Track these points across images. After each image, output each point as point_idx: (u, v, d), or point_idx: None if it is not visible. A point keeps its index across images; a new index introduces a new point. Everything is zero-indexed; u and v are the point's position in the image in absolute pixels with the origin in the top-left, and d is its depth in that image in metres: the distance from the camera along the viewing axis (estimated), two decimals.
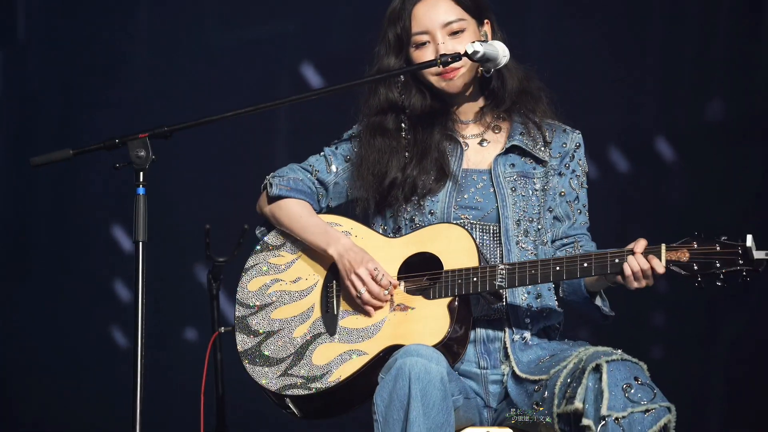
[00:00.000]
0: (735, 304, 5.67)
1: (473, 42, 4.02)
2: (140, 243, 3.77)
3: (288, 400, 4.04)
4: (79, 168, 6.10)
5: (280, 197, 4.22)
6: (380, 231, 4.20)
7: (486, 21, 4.21)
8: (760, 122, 5.75)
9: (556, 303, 4.16)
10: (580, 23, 5.46)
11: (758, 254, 3.75)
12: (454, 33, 4.14)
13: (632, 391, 3.79)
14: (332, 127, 4.40)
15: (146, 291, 3.74)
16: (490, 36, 4.20)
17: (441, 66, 4.06)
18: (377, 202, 4.20)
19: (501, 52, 4.05)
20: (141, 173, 3.79)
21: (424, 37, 4.15)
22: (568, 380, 3.89)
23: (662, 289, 5.41)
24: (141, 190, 3.78)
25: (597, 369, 3.83)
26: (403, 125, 4.20)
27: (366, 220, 4.25)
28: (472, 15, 4.17)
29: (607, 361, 3.83)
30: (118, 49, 6.26)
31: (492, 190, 4.15)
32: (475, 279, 3.97)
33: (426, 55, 4.14)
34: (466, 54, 4.02)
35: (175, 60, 6.22)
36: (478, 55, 4.01)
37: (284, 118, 5.86)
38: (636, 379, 3.81)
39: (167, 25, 6.26)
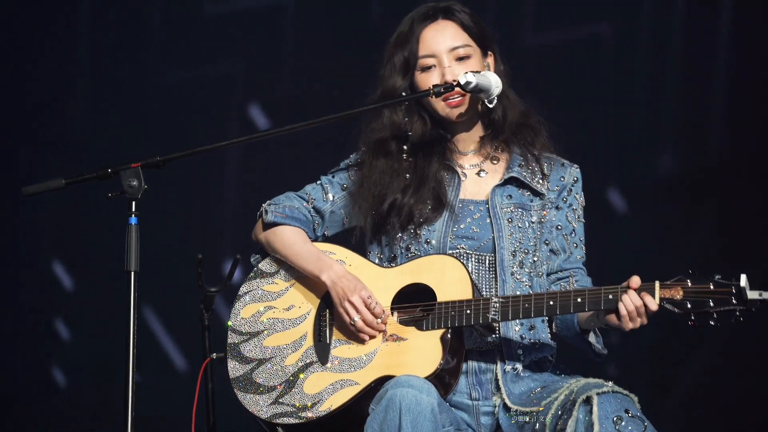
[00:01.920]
0: (687, 354, 5.67)
1: (466, 73, 4.04)
2: (132, 273, 3.77)
3: (280, 430, 4.03)
4: (21, 202, 6.02)
5: (275, 224, 4.22)
6: (376, 260, 4.20)
7: (490, 53, 4.23)
8: (712, 175, 5.75)
9: (549, 335, 4.16)
10: (534, 75, 5.47)
11: (752, 294, 3.74)
12: (461, 58, 4.16)
13: (623, 423, 3.78)
14: (325, 156, 4.41)
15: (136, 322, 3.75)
16: (492, 67, 4.22)
17: (434, 96, 4.08)
18: (373, 228, 4.20)
19: (494, 83, 4.08)
20: (133, 203, 3.80)
21: (431, 61, 4.17)
22: (559, 412, 3.88)
23: (614, 341, 5.38)
24: (133, 220, 3.79)
25: (587, 401, 3.82)
26: (405, 147, 4.21)
27: (361, 249, 4.25)
28: (477, 44, 4.20)
29: (597, 393, 3.82)
30: (59, 86, 6.22)
31: (488, 220, 4.15)
32: (468, 311, 3.97)
33: (431, 79, 4.15)
34: (459, 84, 4.04)
35: (117, 98, 6.18)
36: (471, 85, 4.03)
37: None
38: (627, 411, 3.80)
39: (109, 62, 6.21)
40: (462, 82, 4.02)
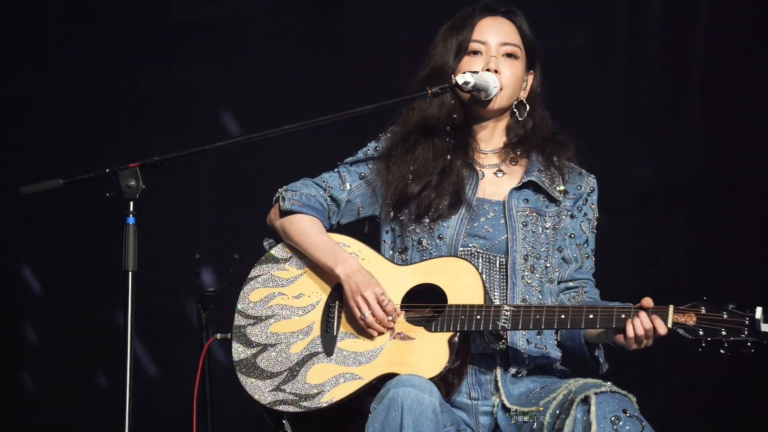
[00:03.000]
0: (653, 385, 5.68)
1: (464, 73, 4.08)
2: (130, 273, 3.78)
3: (285, 419, 4.02)
4: None
5: (291, 212, 4.20)
6: (389, 250, 4.19)
7: (532, 71, 4.23)
8: (688, 187, 5.74)
9: (556, 342, 4.16)
10: None
11: (765, 327, 3.74)
12: (509, 55, 4.19)
13: (621, 423, 3.79)
14: (325, 155, 4.40)
15: (134, 321, 3.76)
16: (530, 84, 4.22)
17: (431, 98, 4.09)
18: (393, 211, 4.19)
19: (492, 83, 4.12)
20: (131, 203, 3.82)
21: (481, 47, 4.19)
22: (557, 412, 3.90)
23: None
24: (131, 220, 3.81)
25: (585, 401, 3.83)
26: (448, 129, 4.22)
27: (375, 241, 4.23)
28: (526, 54, 4.22)
29: (596, 393, 3.83)
30: (26, 91, 6.14)
31: (503, 221, 4.14)
32: (478, 317, 3.96)
33: (475, 63, 4.17)
34: (456, 85, 4.06)
35: (88, 102, 6.11)
36: (470, 85, 4.08)
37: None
38: (625, 411, 3.81)
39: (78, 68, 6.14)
40: (460, 82, 4.06)
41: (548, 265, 4.16)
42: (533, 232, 4.15)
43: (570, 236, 4.21)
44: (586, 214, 4.24)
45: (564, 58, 5.82)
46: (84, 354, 5.92)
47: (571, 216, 4.22)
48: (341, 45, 6.01)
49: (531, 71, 4.26)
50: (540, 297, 4.12)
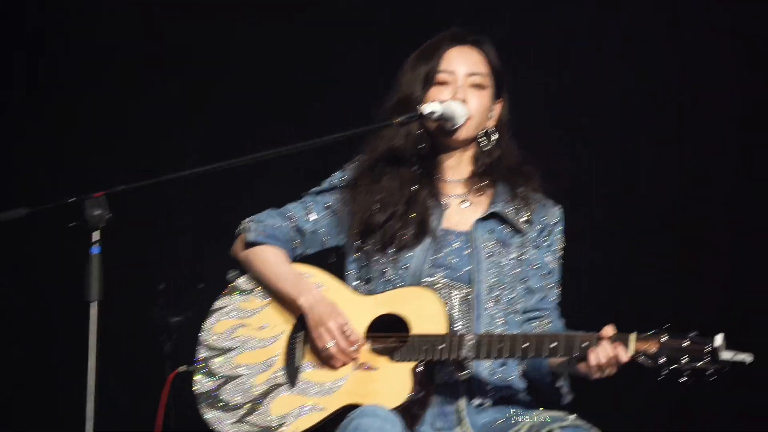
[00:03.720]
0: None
1: (430, 102, 4.09)
2: (94, 303, 3.76)
3: None
4: None
5: (256, 243, 4.20)
6: (354, 281, 4.19)
7: (501, 99, 4.25)
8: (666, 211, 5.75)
9: (519, 373, 4.16)
10: None
11: (725, 355, 3.74)
12: (476, 86, 4.20)
13: None
14: (290, 184, 4.41)
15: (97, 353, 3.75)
16: (497, 113, 4.24)
17: (398, 127, 4.11)
18: (358, 242, 4.19)
19: (459, 112, 4.13)
20: (96, 232, 3.79)
21: (448, 77, 4.20)
22: None
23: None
24: (96, 249, 3.78)
25: None
26: (415, 159, 4.22)
27: (340, 271, 4.23)
28: (494, 84, 4.23)
29: (560, 427, 3.84)
30: None
31: (468, 252, 4.15)
32: (442, 347, 3.96)
33: (442, 93, 4.18)
34: (423, 115, 4.07)
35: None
36: (436, 114, 4.09)
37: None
38: None
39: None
40: (425, 112, 4.07)
41: (513, 295, 4.17)
42: (498, 263, 4.16)
43: (535, 267, 4.22)
44: (551, 245, 4.25)
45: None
46: (46, 384, 5.86)
47: (536, 247, 4.23)
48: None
49: (499, 99, 4.27)
50: (505, 328, 4.13)
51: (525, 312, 4.20)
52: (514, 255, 4.18)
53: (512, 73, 4.32)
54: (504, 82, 4.27)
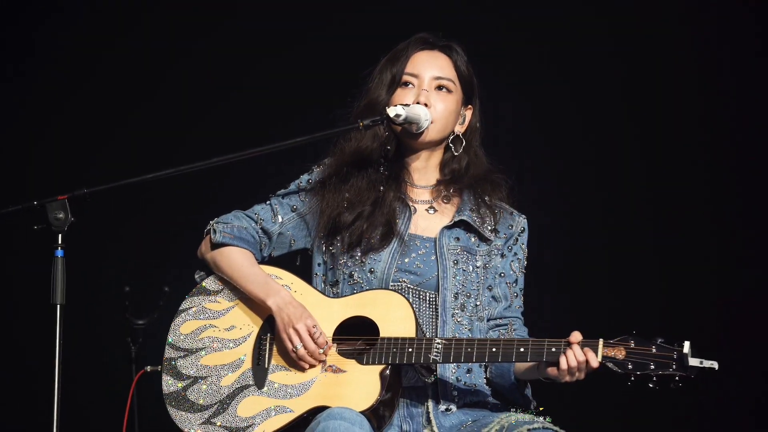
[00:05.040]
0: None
1: (396, 106, 4.10)
2: (58, 306, 3.75)
3: None
4: None
5: (223, 244, 4.19)
6: (321, 283, 4.19)
7: (470, 105, 4.26)
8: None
9: (485, 380, 4.17)
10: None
11: (693, 361, 3.77)
12: (441, 88, 4.20)
13: None
14: (257, 187, 4.40)
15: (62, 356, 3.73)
16: (467, 119, 4.25)
17: (363, 130, 4.10)
18: (324, 244, 4.19)
19: (423, 116, 4.15)
20: (60, 235, 3.79)
21: (413, 79, 4.22)
22: None
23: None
24: (60, 253, 3.78)
25: None
26: (383, 161, 4.23)
27: (307, 273, 4.23)
28: (462, 89, 4.24)
29: (529, 430, 3.85)
30: None
31: (434, 258, 4.16)
32: (410, 350, 3.96)
33: (407, 96, 4.20)
34: (387, 117, 4.08)
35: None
36: (401, 118, 4.11)
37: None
38: None
39: None
40: (391, 115, 4.09)
41: (478, 303, 4.18)
42: (464, 270, 4.17)
43: (500, 275, 4.24)
44: (516, 254, 4.27)
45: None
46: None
47: (502, 255, 4.25)
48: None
49: (469, 106, 4.29)
50: (470, 335, 4.14)
51: (490, 320, 4.22)
52: (480, 263, 4.20)
53: (494, 80, 4.34)
54: (474, 88, 4.29)
